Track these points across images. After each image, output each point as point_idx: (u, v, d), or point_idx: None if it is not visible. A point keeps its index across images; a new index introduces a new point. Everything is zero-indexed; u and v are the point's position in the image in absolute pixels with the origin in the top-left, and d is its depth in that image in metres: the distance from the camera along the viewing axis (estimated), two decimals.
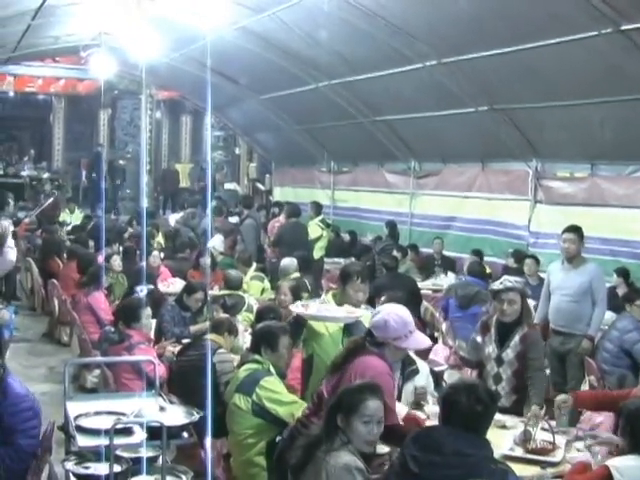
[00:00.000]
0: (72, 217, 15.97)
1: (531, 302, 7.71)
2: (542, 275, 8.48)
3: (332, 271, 11.11)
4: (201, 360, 5.45)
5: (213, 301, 7.58)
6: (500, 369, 5.20)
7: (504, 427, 4.62)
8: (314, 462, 3.43)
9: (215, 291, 8.33)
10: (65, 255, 11.09)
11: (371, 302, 6.34)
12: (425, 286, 10.11)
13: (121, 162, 23.34)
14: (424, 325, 8.34)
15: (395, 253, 10.88)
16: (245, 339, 6.51)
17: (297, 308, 5.14)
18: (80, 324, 7.88)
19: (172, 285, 9.19)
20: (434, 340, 8.29)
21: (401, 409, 4.52)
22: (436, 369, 6.17)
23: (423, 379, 5.25)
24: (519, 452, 4.27)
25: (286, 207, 12.92)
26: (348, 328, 4.98)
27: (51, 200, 16.49)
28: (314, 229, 12.30)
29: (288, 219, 12.13)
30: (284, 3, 9.56)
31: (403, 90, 10.94)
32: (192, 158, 24.75)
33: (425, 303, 9.14)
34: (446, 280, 10.32)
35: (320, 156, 15.47)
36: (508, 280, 5.32)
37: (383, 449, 3.99)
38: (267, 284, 9.43)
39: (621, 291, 7.99)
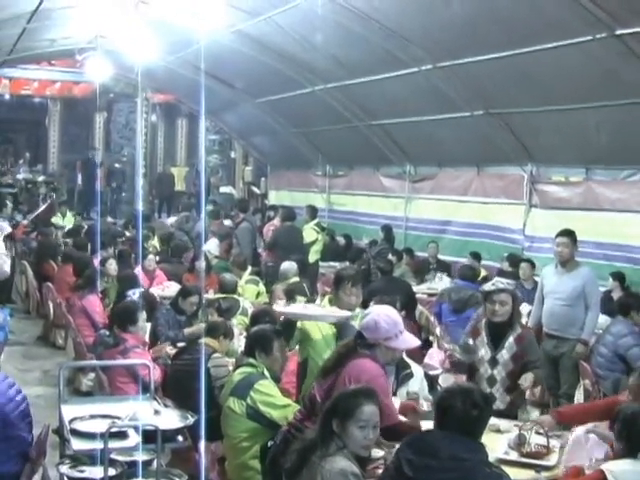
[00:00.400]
0: (64, 220, 15.93)
1: (527, 306, 7.77)
2: (537, 279, 8.48)
3: (327, 275, 11.09)
4: (195, 365, 5.45)
5: (208, 305, 7.58)
6: (494, 371, 5.19)
7: (498, 431, 4.62)
8: (309, 467, 3.42)
9: (210, 295, 8.34)
10: (60, 258, 11.06)
11: (365, 306, 6.33)
12: (420, 290, 10.09)
13: (117, 165, 23.31)
14: (419, 329, 8.33)
15: (390, 257, 10.90)
16: (240, 342, 6.51)
17: (279, 307, 5.18)
18: (75, 327, 7.87)
19: (167, 289, 9.19)
20: (429, 344, 8.31)
21: (395, 402, 4.57)
22: (431, 373, 6.19)
23: (417, 383, 5.27)
24: (514, 456, 4.28)
25: (281, 211, 12.92)
26: (341, 331, 5.00)
27: (47, 204, 16.49)
28: (309, 233, 12.29)
29: (283, 223, 12.13)
30: (280, 7, 9.58)
31: (399, 94, 10.95)
32: (188, 161, 24.69)
33: (420, 307, 9.13)
34: (441, 284, 10.32)
35: (316, 160, 15.45)
36: (500, 281, 5.39)
37: (378, 453, 4.01)
38: (262, 288, 9.43)
39: (616, 295, 8.00)
